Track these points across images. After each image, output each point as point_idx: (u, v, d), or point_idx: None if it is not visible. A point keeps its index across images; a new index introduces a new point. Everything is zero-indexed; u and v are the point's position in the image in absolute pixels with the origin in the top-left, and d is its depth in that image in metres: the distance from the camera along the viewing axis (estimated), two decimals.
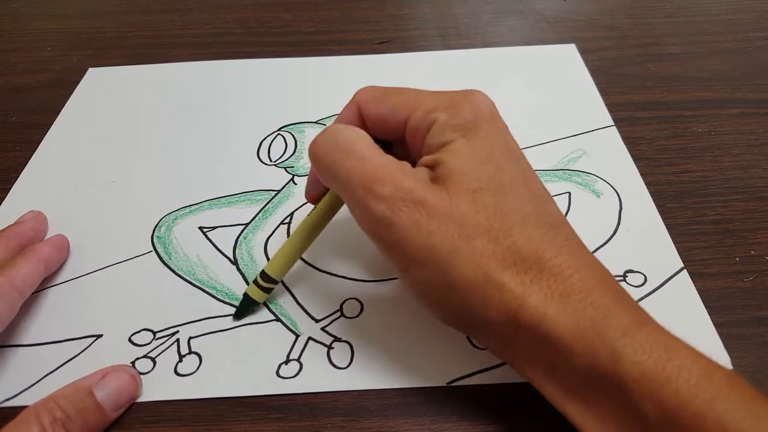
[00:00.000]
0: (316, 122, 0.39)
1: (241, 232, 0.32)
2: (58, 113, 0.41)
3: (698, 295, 0.28)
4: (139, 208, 0.34)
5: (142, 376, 0.26)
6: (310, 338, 0.27)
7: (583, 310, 0.20)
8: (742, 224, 0.32)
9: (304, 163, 0.36)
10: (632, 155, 0.36)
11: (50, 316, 0.28)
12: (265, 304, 0.29)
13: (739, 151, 0.36)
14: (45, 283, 0.30)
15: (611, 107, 0.40)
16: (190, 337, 0.27)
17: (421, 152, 0.24)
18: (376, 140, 0.24)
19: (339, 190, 0.23)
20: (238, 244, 0.32)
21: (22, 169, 0.36)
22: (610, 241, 0.31)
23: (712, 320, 0.27)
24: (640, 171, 0.35)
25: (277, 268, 0.27)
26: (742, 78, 0.42)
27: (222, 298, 0.29)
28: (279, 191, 0.35)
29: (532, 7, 0.52)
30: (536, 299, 0.20)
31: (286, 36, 0.49)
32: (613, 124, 0.38)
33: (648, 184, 0.34)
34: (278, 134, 0.39)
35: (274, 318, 0.28)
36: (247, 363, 0.26)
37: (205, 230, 0.32)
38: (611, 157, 0.36)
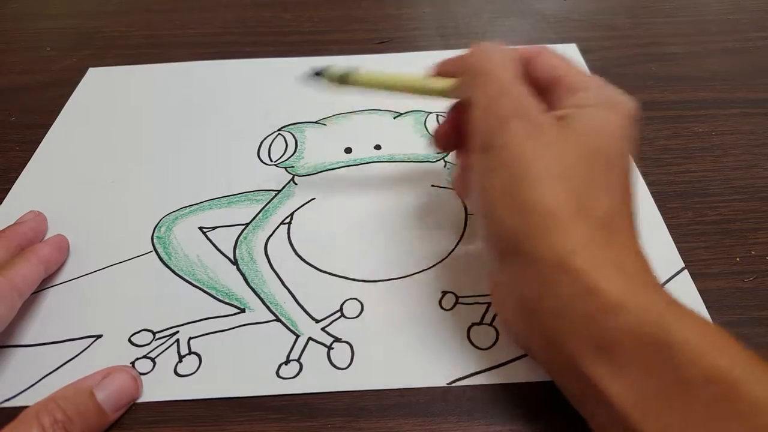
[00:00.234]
0: (316, 122, 0.39)
1: (242, 232, 0.32)
2: (58, 113, 0.41)
3: (699, 296, 0.28)
4: (139, 208, 0.34)
5: (141, 376, 0.26)
6: (310, 338, 0.27)
7: (634, 278, 0.20)
8: (743, 224, 0.32)
9: (305, 163, 0.36)
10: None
11: (50, 317, 0.28)
12: (265, 305, 0.29)
13: (740, 151, 0.36)
14: (45, 283, 0.30)
15: None
16: (190, 338, 0.27)
17: (561, 106, 0.25)
18: None
19: (478, 82, 0.25)
20: (238, 244, 0.32)
21: (22, 169, 0.36)
22: None
23: (713, 320, 0.27)
24: (640, 171, 0.35)
25: (361, 76, 0.29)
26: (742, 78, 0.42)
27: (222, 299, 0.29)
28: (279, 191, 0.35)
29: (532, 7, 0.52)
30: (597, 252, 0.21)
31: (286, 36, 0.49)
32: None
33: (648, 184, 0.34)
34: (278, 134, 0.39)
35: (274, 318, 0.28)
36: (247, 363, 0.26)
37: (205, 230, 0.32)
38: None
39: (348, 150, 0.37)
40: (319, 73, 0.30)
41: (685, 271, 0.29)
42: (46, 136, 0.39)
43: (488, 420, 0.24)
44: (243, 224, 0.33)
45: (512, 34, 0.48)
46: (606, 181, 0.22)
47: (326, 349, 0.27)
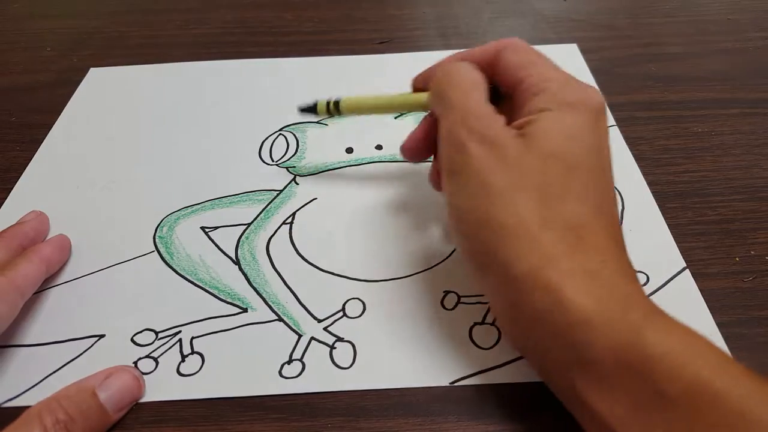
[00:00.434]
0: (317, 122, 0.39)
1: (243, 232, 0.32)
2: (59, 113, 0.41)
3: (701, 295, 0.28)
4: (141, 208, 0.34)
5: (144, 376, 0.26)
6: (312, 338, 0.27)
7: (608, 290, 0.20)
8: (742, 224, 0.32)
9: (306, 163, 0.36)
10: (632, 155, 0.36)
11: (52, 317, 0.28)
12: (268, 305, 0.29)
13: (740, 151, 0.36)
14: (47, 283, 0.30)
15: (611, 107, 0.40)
16: (193, 337, 0.27)
17: (521, 114, 0.25)
18: (494, 92, 0.26)
19: (440, 108, 0.26)
20: (240, 244, 0.32)
21: (23, 169, 0.36)
22: None
23: (713, 320, 0.27)
24: (640, 171, 0.35)
25: (350, 102, 0.31)
26: (742, 78, 0.42)
27: (224, 298, 0.29)
28: (281, 191, 0.35)
29: (532, 7, 0.52)
30: (565, 265, 0.21)
31: (286, 36, 0.49)
32: (614, 124, 0.38)
33: (648, 184, 0.34)
34: (280, 134, 0.39)
35: (277, 318, 0.28)
36: (249, 363, 0.26)
37: (207, 230, 0.32)
38: (613, 156, 0.36)
39: (349, 150, 0.37)
40: (307, 109, 0.33)
41: (687, 270, 0.29)
42: (48, 135, 0.39)
43: (489, 419, 0.24)
44: (245, 224, 0.33)
45: (512, 34, 0.48)
46: (569, 187, 0.22)
47: (329, 349, 0.27)
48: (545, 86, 0.24)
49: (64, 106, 0.41)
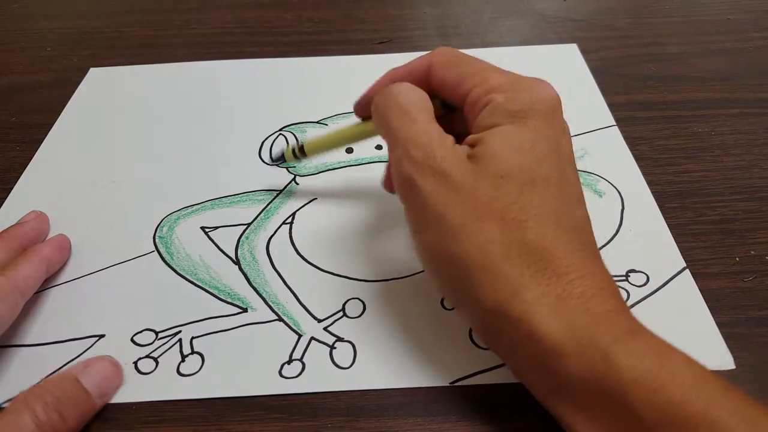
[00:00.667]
0: (317, 122, 0.39)
1: (243, 232, 0.32)
2: (59, 113, 0.41)
3: (701, 295, 0.28)
4: (141, 208, 0.34)
5: (144, 376, 0.26)
6: (312, 338, 0.27)
7: (578, 315, 0.20)
8: (742, 224, 0.32)
9: (306, 163, 0.36)
10: (632, 155, 0.36)
11: (52, 317, 0.28)
12: (268, 305, 0.29)
13: (740, 151, 0.36)
14: (47, 283, 0.30)
15: (611, 107, 0.40)
16: (193, 337, 0.27)
17: (472, 129, 0.24)
18: (445, 104, 0.25)
19: (385, 140, 0.25)
20: (240, 244, 0.32)
21: (23, 169, 0.36)
22: (612, 241, 0.31)
23: (713, 320, 0.27)
24: (640, 171, 0.35)
25: (313, 145, 0.31)
26: (742, 78, 0.42)
27: (224, 298, 0.29)
28: (281, 191, 0.35)
29: (532, 7, 0.52)
30: (531, 295, 0.20)
31: (286, 36, 0.49)
32: (614, 123, 0.38)
33: (648, 184, 0.34)
34: (280, 134, 0.39)
35: (277, 318, 0.28)
36: (249, 363, 0.26)
37: (207, 230, 0.32)
38: (613, 156, 0.36)
39: (349, 150, 0.37)
40: (277, 159, 0.34)
41: (687, 270, 0.29)
42: (48, 135, 0.39)
43: (489, 420, 0.24)
44: (245, 224, 0.33)
45: (512, 34, 0.48)
46: (527, 207, 0.21)
47: (329, 349, 0.27)
48: (490, 98, 0.23)
49: (64, 106, 0.41)
